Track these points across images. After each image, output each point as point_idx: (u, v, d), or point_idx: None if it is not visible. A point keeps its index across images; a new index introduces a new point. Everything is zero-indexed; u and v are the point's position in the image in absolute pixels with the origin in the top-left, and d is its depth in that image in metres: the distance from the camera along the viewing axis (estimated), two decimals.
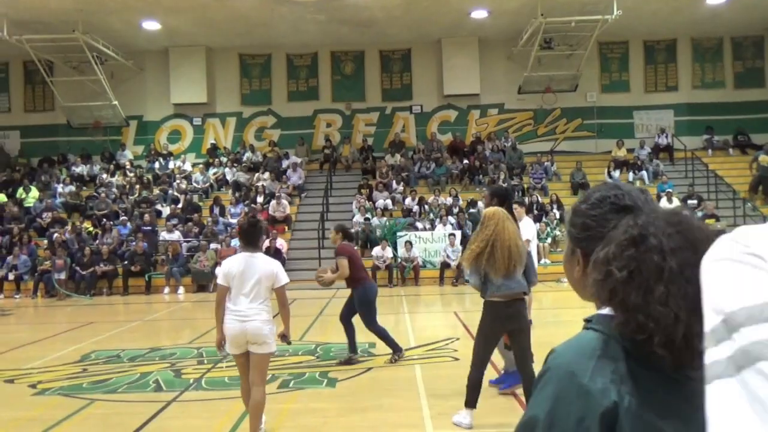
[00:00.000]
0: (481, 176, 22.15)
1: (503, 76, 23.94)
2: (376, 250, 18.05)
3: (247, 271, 5.16)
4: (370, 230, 19.03)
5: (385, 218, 19.74)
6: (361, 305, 8.08)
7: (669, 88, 24.50)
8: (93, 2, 18.86)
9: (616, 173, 21.91)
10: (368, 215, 19.72)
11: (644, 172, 21.83)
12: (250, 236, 5.36)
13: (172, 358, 8.96)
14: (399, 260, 18.07)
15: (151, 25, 21.34)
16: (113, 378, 7.85)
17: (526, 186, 21.56)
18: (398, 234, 18.70)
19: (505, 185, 17.13)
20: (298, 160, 23.25)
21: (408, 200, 20.78)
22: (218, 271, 5.40)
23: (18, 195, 21.66)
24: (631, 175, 21.72)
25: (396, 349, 8.26)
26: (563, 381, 1.14)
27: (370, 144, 24.14)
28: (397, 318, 13.17)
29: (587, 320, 1.25)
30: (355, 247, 9.42)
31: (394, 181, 21.83)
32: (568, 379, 1.14)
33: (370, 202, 20.65)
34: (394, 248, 18.31)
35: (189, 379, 7.69)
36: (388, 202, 20.78)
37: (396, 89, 24.65)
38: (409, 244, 18.05)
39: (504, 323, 5.48)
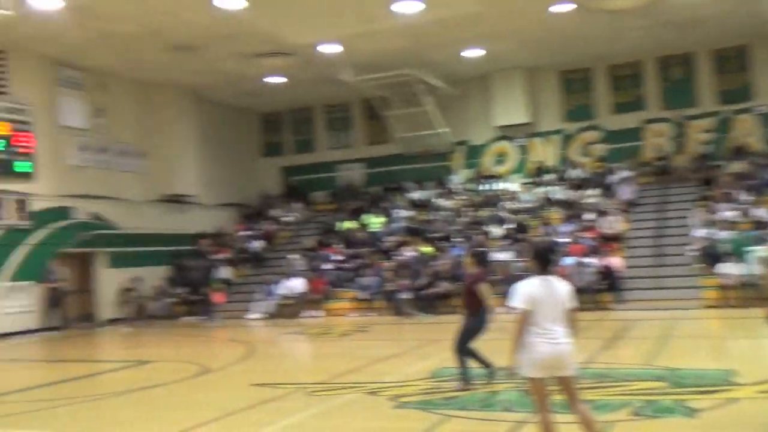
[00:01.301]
0: None
1: None
2: (724, 267, 16.51)
3: (551, 294, 5.17)
4: (714, 245, 17.50)
5: (731, 232, 17.99)
6: (470, 331, 8.48)
7: None
8: (420, 39, 20.11)
9: None
10: (711, 229, 18.16)
11: None
12: (547, 259, 5.35)
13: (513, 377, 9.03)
14: (753, 278, 16.27)
15: (473, 53, 22.16)
16: (463, 396, 8.12)
17: None
18: (749, 249, 16.87)
19: None
20: (627, 174, 22.33)
21: (762, 211, 18.66)
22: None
23: (364, 221, 23.88)
24: None
25: (465, 378, 8.43)
26: None
27: (706, 152, 22.33)
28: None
29: None
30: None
31: (738, 191, 19.85)
32: None
33: (712, 215, 19.01)
34: (746, 264, 16.55)
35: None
36: (734, 213, 18.92)
37: (732, 90, 22.52)
38: (765, 260, 16.19)
39: None
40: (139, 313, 20.80)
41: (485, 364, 8.59)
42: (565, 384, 5.25)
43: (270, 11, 17.40)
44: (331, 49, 20.55)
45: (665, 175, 22.40)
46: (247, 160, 27.83)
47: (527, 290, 5.22)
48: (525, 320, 5.20)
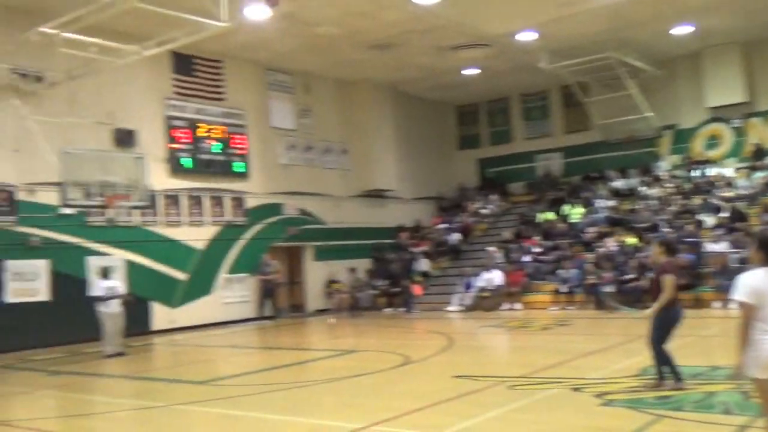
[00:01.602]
0: None
1: None
2: None
3: None
4: None
5: None
6: (662, 325, 8.00)
7: None
8: (622, 19, 19.14)
9: None
10: None
11: None
12: None
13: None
14: None
15: (682, 30, 20.74)
16: (676, 395, 7.64)
17: None
18: None
19: None
20: None
21: None
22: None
23: (564, 212, 23.23)
24: None
25: (676, 377, 7.92)
26: None
27: None
28: None
29: None
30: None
31: None
32: None
33: None
34: None
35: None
36: None
37: None
38: None
39: None
40: (344, 305, 21.70)
41: (670, 365, 8.01)
42: None
43: (465, 3, 17.39)
44: (527, 37, 20.18)
45: None
46: (443, 153, 28.09)
47: (751, 282, 4.77)
48: (749, 315, 4.75)
